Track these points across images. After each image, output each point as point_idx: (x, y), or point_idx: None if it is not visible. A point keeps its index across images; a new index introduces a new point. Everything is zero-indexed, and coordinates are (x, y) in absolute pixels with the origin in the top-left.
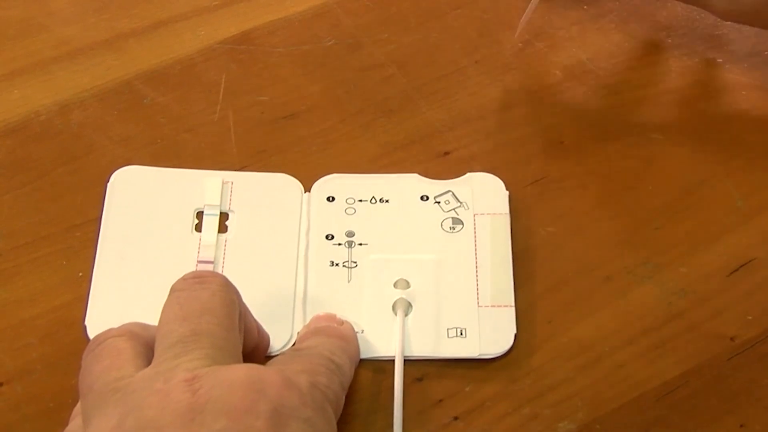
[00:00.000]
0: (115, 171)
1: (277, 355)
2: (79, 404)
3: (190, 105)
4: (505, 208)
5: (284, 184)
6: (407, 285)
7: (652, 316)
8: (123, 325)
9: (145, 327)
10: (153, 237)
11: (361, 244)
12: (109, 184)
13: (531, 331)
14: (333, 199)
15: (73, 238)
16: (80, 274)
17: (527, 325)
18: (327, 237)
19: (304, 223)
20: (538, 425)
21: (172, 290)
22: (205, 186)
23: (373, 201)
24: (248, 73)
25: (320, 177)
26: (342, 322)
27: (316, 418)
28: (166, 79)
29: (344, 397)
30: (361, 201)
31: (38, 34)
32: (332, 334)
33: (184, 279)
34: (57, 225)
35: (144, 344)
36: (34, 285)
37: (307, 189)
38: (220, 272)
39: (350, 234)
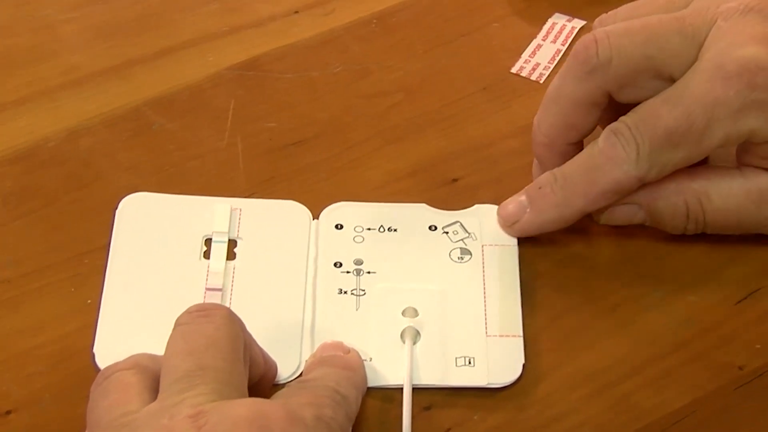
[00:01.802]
0: (123, 198)
1: (285, 383)
2: None
3: (198, 131)
4: (513, 240)
5: (292, 211)
6: (415, 313)
7: (658, 345)
8: (130, 357)
9: (153, 359)
10: (161, 264)
11: (369, 273)
12: (117, 211)
13: (538, 360)
14: (341, 227)
15: (81, 265)
16: (88, 301)
17: (534, 353)
18: (335, 264)
19: (312, 250)
20: None
21: (177, 324)
22: (214, 213)
23: (382, 230)
24: (256, 100)
25: (328, 204)
26: (349, 351)
27: None
28: (174, 105)
29: (350, 428)
30: (369, 229)
31: (46, 62)
32: (338, 364)
33: (188, 312)
34: (65, 252)
35: (151, 377)
36: (41, 312)
37: (315, 216)
38: (228, 299)
39: (358, 262)
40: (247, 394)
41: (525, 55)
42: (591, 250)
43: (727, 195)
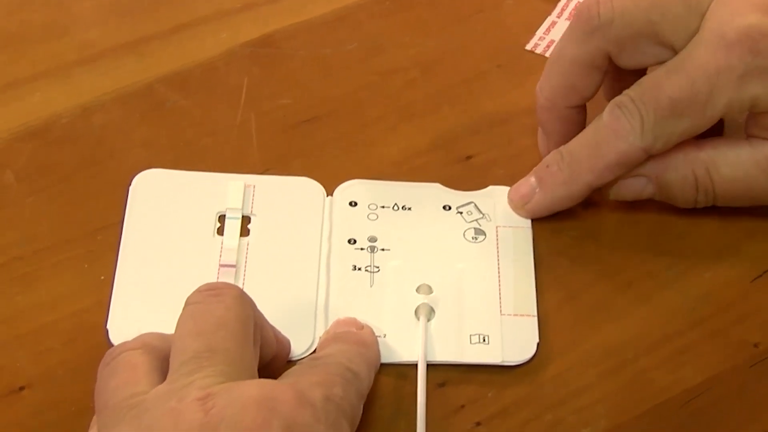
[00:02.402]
0: (136, 174)
1: (299, 359)
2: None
3: (211, 108)
4: (528, 222)
5: (306, 187)
6: (430, 290)
7: (675, 322)
8: (139, 337)
9: (162, 338)
10: (175, 240)
11: (383, 250)
12: (131, 188)
13: (554, 337)
14: (355, 204)
15: (94, 241)
16: (102, 277)
17: (550, 330)
18: (349, 241)
19: (326, 227)
20: (561, 431)
21: (187, 303)
22: (227, 189)
23: (396, 208)
24: (270, 77)
25: (342, 181)
26: (362, 327)
27: None
28: (188, 82)
29: (362, 406)
30: (383, 207)
31: (60, 38)
32: (351, 340)
33: (198, 291)
34: (79, 229)
35: (159, 357)
36: (55, 289)
37: (329, 193)
38: (242, 276)
39: (372, 239)
40: (256, 375)
41: (540, 32)
42: (606, 227)
43: (735, 164)
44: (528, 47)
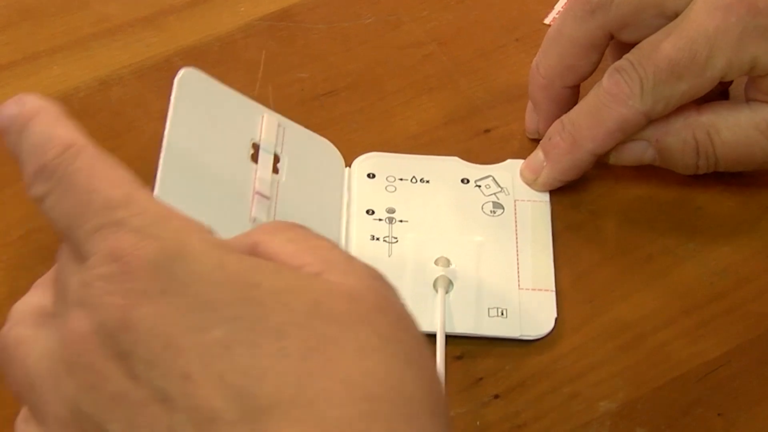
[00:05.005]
0: (181, 69)
1: None
2: None
3: (229, 82)
4: (546, 195)
5: (329, 151)
6: (448, 263)
7: (693, 295)
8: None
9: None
10: (214, 158)
11: (401, 221)
12: (176, 80)
13: (572, 311)
14: (373, 176)
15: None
16: None
17: (569, 304)
18: (367, 212)
19: (345, 196)
20: (578, 404)
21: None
22: (263, 121)
23: (414, 180)
24: (288, 51)
25: (360, 154)
26: None
27: None
28: (206, 56)
29: None
30: (401, 180)
31: (78, 11)
32: None
33: None
34: None
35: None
36: None
37: (347, 166)
38: (273, 210)
39: (391, 210)
40: None
41: (558, 6)
42: (624, 202)
43: (735, 126)
44: (546, 21)
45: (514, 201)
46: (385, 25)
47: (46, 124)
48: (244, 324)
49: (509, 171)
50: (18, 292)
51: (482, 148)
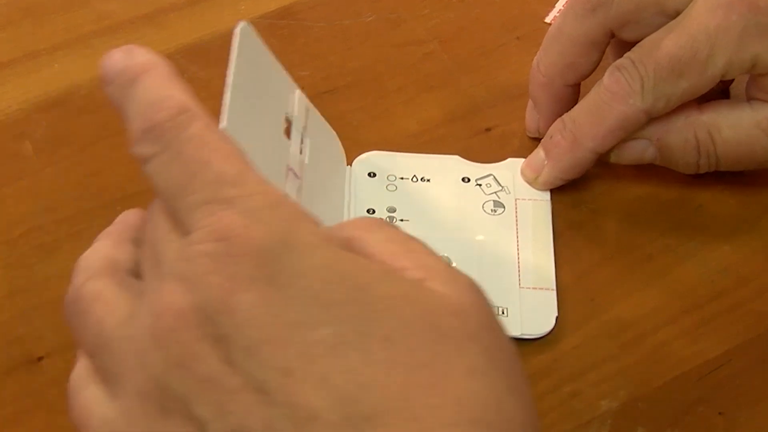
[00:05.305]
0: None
1: None
2: None
3: None
4: (546, 194)
5: (336, 147)
6: (449, 262)
7: (694, 294)
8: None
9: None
10: (261, 112)
11: (402, 220)
12: (238, 29)
13: (573, 309)
14: (374, 174)
15: (113, 212)
16: None
17: (569, 303)
18: (368, 211)
19: (347, 195)
20: (579, 403)
21: None
22: (295, 98)
23: (414, 179)
24: (289, 48)
25: (360, 152)
26: None
27: None
28: (207, 53)
29: None
30: (402, 179)
31: (79, 9)
32: None
33: None
34: (97, 199)
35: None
36: (74, 259)
37: (348, 164)
38: (301, 191)
39: (391, 210)
40: None
41: (559, 4)
42: (625, 201)
43: (736, 125)
44: (547, 20)
45: (515, 200)
46: (385, 24)
47: (160, 82)
48: (352, 327)
49: (510, 170)
50: (18, 291)
51: (483, 147)
